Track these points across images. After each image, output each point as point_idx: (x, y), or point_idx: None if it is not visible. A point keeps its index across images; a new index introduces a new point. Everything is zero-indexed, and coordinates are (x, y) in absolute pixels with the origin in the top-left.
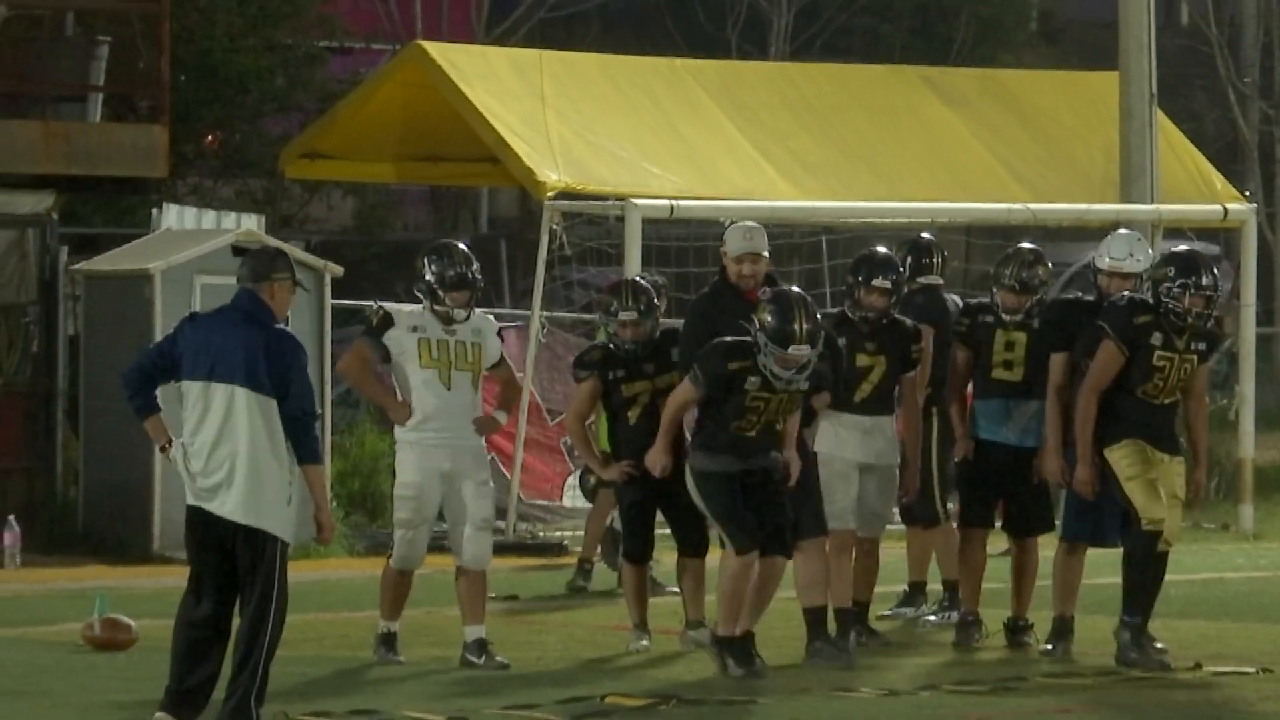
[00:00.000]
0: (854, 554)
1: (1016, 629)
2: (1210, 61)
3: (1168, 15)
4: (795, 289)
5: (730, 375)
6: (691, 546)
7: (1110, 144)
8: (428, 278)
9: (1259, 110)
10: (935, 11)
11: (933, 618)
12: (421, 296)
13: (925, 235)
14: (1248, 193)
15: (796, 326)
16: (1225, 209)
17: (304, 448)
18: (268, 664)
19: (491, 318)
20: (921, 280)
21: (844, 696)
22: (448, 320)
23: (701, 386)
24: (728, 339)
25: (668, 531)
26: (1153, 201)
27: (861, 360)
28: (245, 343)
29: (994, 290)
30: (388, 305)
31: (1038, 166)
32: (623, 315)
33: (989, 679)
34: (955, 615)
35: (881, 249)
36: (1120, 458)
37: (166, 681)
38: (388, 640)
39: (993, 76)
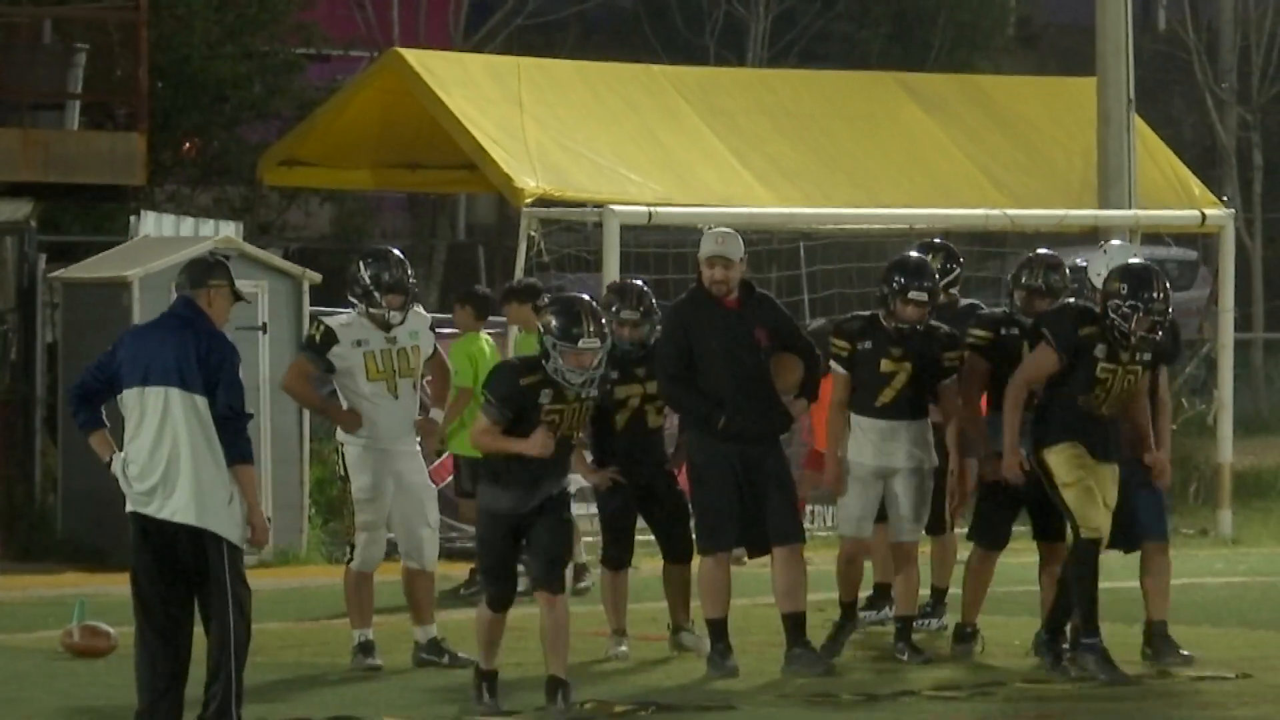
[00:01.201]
0: (898, 562)
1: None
2: (1188, 67)
3: (1145, 20)
4: (580, 294)
5: (523, 391)
6: (675, 552)
7: (1088, 149)
8: (364, 281)
9: (1236, 115)
10: (913, 17)
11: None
12: (356, 301)
13: (938, 240)
14: (1225, 198)
15: (583, 323)
16: (1203, 214)
17: (234, 447)
18: (240, 668)
19: (421, 310)
20: (953, 290)
21: (823, 702)
22: (385, 325)
23: (496, 412)
24: (515, 358)
25: (647, 538)
26: (1130, 207)
27: (886, 365)
28: (177, 346)
29: (1014, 295)
30: (327, 319)
31: (1016, 172)
32: (625, 314)
33: (967, 684)
34: (935, 623)
35: (914, 254)
36: (1058, 462)
37: (137, 705)
38: (365, 648)
39: (970, 82)
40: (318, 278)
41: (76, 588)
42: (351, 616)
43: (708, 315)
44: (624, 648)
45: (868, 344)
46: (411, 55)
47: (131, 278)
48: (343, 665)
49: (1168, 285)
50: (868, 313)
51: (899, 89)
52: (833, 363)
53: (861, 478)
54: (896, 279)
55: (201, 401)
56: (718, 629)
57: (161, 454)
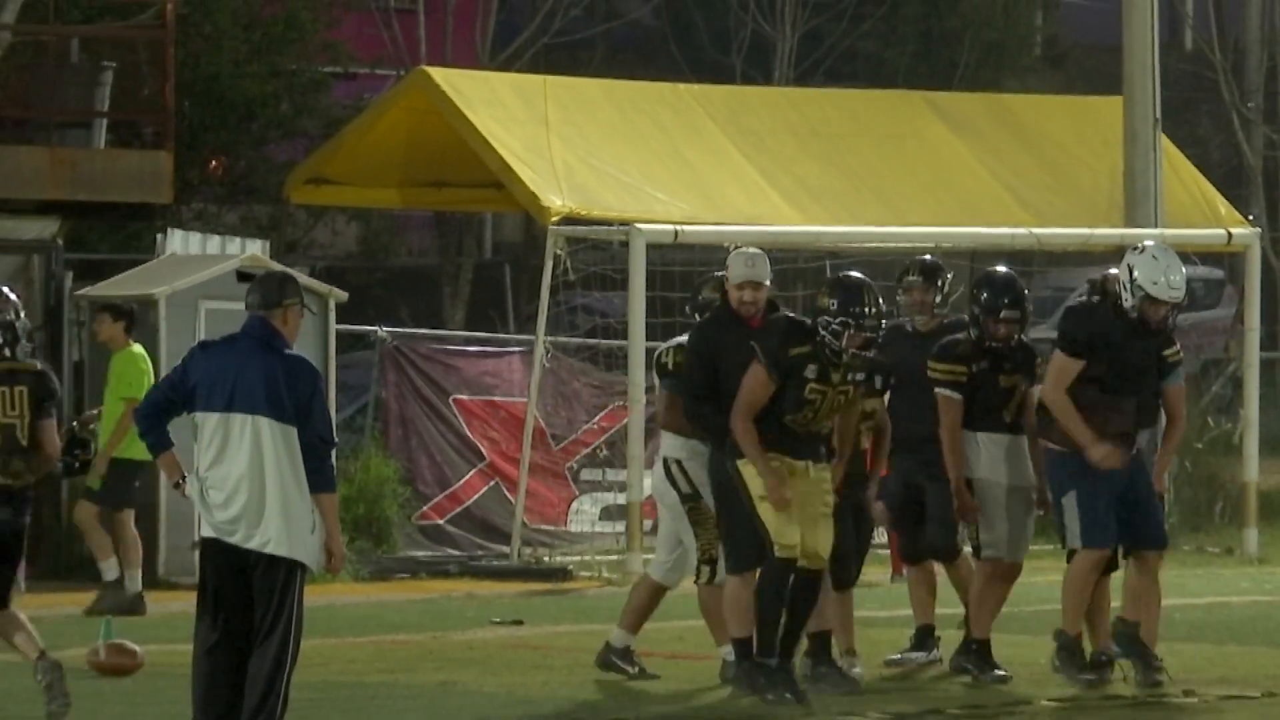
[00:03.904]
0: (999, 580)
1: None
2: (1214, 86)
3: (1172, 40)
4: None
5: None
6: (839, 579)
7: (1114, 168)
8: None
9: (1263, 135)
10: (939, 36)
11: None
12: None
13: (929, 257)
14: (1251, 217)
15: None
16: (1229, 233)
17: (319, 475)
18: (289, 690)
19: None
20: (942, 309)
21: None
22: None
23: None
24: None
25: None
26: (1157, 226)
27: (1004, 381)
28: (264, 371)
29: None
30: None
31: (1042, 191)
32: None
33: (994, 703)
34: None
35: (1002, 269)
36: (752, 475)
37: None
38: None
39: (997, 101)
40: (344, 296)
41: None
42: (723, 630)
43: (733, 335)
44: (858, 669)
45: (984, 364)
46: (438, 74)
47: (158, 296)
48: (369, 683)
49: (879, 299)
50: (960, 335)
51: (925, 108)
52: (945, 390)
53: (999, 499)
54: (986, 297)
55: (291, 431)
56: (744, 648)
57: (248, 484)
